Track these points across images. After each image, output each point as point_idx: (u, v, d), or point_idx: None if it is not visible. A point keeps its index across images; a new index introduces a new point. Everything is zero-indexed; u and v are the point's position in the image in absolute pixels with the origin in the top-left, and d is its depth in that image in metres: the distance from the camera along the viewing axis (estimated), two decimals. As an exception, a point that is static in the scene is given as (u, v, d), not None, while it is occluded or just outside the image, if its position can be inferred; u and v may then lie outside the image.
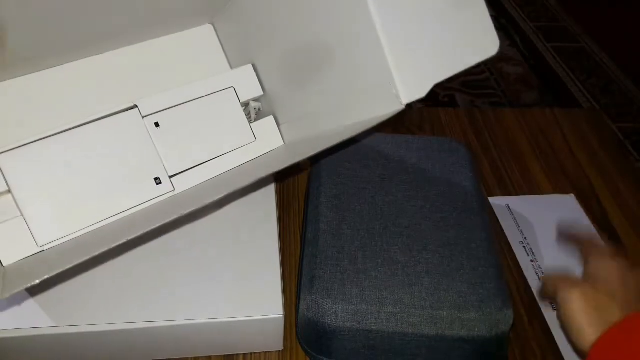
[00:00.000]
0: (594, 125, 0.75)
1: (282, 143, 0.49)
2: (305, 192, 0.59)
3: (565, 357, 0.48)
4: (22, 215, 0.40)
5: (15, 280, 0.35)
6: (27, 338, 0.40)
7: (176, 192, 0.44)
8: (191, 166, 0.45)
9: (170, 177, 0.44)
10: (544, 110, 0.78)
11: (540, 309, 0.52)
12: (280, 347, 0.47)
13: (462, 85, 1.90)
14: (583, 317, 0.39)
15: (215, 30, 0.50)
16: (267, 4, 0.43)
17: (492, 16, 0.40)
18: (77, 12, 0.38)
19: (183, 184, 0.45)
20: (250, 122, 0.48)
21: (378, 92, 0.35)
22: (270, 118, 0.48)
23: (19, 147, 0.40)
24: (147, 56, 0.47)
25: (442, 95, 1.85)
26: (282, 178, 0.63)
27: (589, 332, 0.38)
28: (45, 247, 0.40)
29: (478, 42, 0.39)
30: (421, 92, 0.34)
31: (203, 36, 0.50)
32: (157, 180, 0.43)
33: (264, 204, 0.50)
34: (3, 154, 0.39)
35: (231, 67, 0.51)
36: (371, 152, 0.55)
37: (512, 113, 0.77)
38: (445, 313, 0.42)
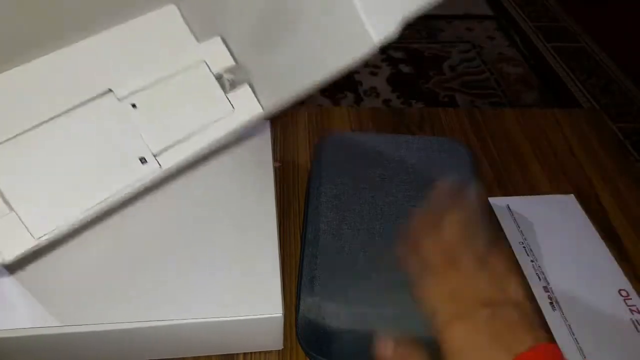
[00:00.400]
0: (594, 125, 0.75)
1: (261, 110, 0.49)
2: (305, 192, 0.59)
3: (568, 357, 0.48)
4: (14, 211, 0.40)
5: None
6: (22, 338, 0.40)
7: (163, 168, 0.45)
8: (174, 142, 0.45)
9: (155, 155, 0.44)
10: (544, 110, 0.78)
11: (540, 310, 0.52)
12: (280, 347, 0.47)
13: (462, 85, 1.90)
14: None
15: (180, 9, 0.50)
16: None
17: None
18: (37, 6, 0.38)
19: (168, 160, 0.45)
20: (226, 93, 0.49)
21: (349, 39, 0.36)
22: (245, 86, 0.49)
23: (1, 143, 0.40)
24: (114, 43, 0.47)
25: (442, 95, 1.85)
26: (282, 180, 0.63)
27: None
28: (43, 239, 0.40)
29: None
30: (390, 27, 0.35)
31: (167, 17, 0.50)
32: (143, 160, 0.43)
33: (263, 204, 0.50)
34: None
35: (197, 39, 0.51)
36: (371, 152, 0.55)
37: (512, 113, 0.77)
38: (445, 313, 0.42)
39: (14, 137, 0.40)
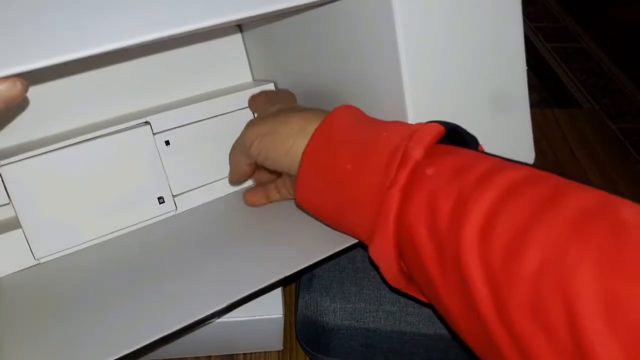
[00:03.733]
0: (594, 125, 0.75)
1: None
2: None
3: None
4: (21, 228, 0.39)
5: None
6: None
7: (178, 211, 0.43)
8: (196, 186, 0.44)
9: (174, 196, 0.43)
10: (543, 110, 0.78)
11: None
12: (280, 347, 0.47)
13: (462, 85, 1.90)
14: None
15: (243, 40, 0.49)
16: (300, 32, 0.42)
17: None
18: None
19: (186, 203, 0.44)
20: None
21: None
22: None
23: (24, 159, 0.39)
24: (172, 63, 0.46)
25: (442, 95, 1.85)
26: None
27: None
28: (42, 261, 0.40)
29: (512, 150, 0.38)
30: None
31: (230, 45, 0.49)
32: (160, 200, 0.42)
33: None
34: (6, 166, 0.38)
35: (252, 75, 0.51)
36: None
37: (512, 113, 0.77)
38: (444, 312, 0.42)
39: (43, 153, 0.39)
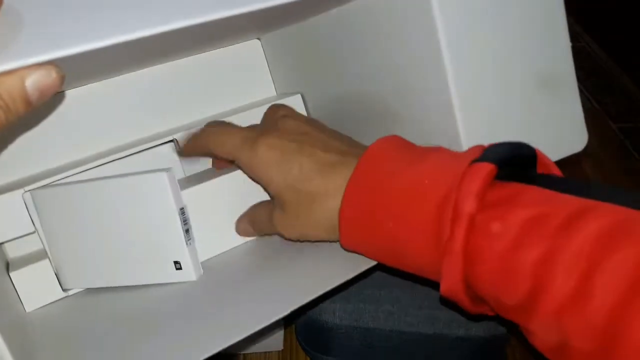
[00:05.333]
0: (594, 125, 0.75)
1: None
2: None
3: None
4: (48, 258, 0.37)
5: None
6: None
7: (196, 280, 0.37)
8: (219, 253, 0.39)
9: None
10: (543, 110, 0.78)
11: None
12: (280, 347, 0.47)
13: (462, 85, 1.90)
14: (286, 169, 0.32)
15: (262, 46, 0.47)
16: (328, 37, 0.40)
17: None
18: None
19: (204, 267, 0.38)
20: None
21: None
22: None
23: (50, 186, 0.36)
24: (191, 71, 0.44)
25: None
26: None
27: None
28: (70, 293, 0.38)
29: (564, 135, 0.36)
30: None
31: (250, 52, 0.46)
32: (177, 265, 0.36)
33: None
34: (33, 191, 0.36)
35: (275, 88, 0.48)
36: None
37: (512, 113, 0.77)
38: (442, 312, 0.42)
39: (69, 184, 0.36)
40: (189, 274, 0.36)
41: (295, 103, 0.44)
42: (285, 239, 0.35)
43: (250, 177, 0.36)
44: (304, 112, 0.45)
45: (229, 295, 0.35)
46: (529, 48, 0.35)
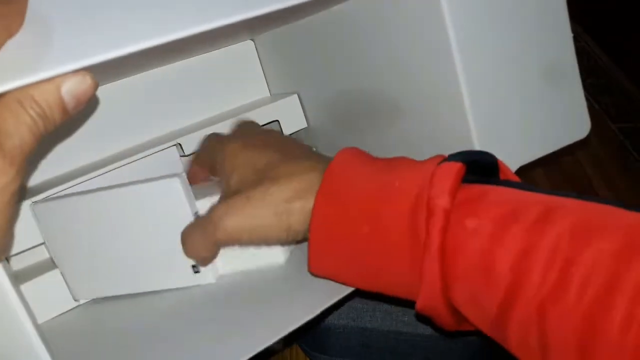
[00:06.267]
0: (594, 125, 0.75)
1: None
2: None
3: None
4: (57, 268, 0.36)
5: None
6: None
7: (214, 282, 0.36)
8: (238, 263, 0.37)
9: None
10: (543, 109, 0.78)
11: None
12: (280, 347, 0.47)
13: (462, 85, 1.90)
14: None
15: (256, 47, 0.46)
16: (325, 35, 0.39)
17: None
18: None
19: (224, 270, 0.37)
20: None
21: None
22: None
23: (57, 197, 0.36)
24: (184, 74, 0.44)
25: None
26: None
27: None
28: (81, 302, 0.37)
29: (568, 123, 0.37)
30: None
31: (243, 53, 0.46)
32: (195, 268, 0.35)
33: None
34: (40, 203, 0.35)
35: (269, 89, 0.47)
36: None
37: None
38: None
39: (76, 194, 0.36)
40: (207, 276, 0.36)
41: (292, 103, 0.44)
42: (217, 238, 0.32)
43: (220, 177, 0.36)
44: (300, 111, 0.45)
45: (248, 300, 0.34)
46: (534, 40, 0.35)
